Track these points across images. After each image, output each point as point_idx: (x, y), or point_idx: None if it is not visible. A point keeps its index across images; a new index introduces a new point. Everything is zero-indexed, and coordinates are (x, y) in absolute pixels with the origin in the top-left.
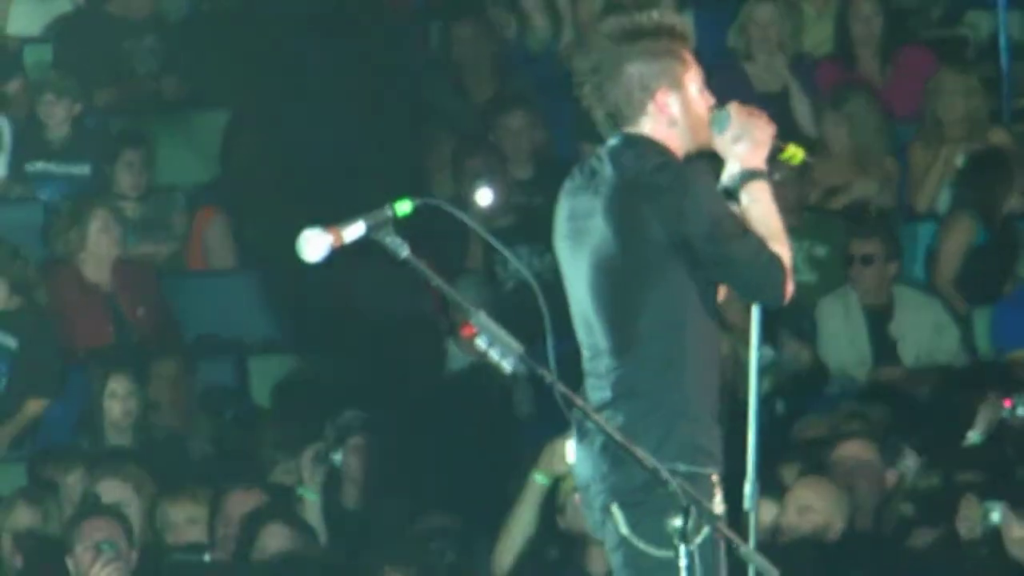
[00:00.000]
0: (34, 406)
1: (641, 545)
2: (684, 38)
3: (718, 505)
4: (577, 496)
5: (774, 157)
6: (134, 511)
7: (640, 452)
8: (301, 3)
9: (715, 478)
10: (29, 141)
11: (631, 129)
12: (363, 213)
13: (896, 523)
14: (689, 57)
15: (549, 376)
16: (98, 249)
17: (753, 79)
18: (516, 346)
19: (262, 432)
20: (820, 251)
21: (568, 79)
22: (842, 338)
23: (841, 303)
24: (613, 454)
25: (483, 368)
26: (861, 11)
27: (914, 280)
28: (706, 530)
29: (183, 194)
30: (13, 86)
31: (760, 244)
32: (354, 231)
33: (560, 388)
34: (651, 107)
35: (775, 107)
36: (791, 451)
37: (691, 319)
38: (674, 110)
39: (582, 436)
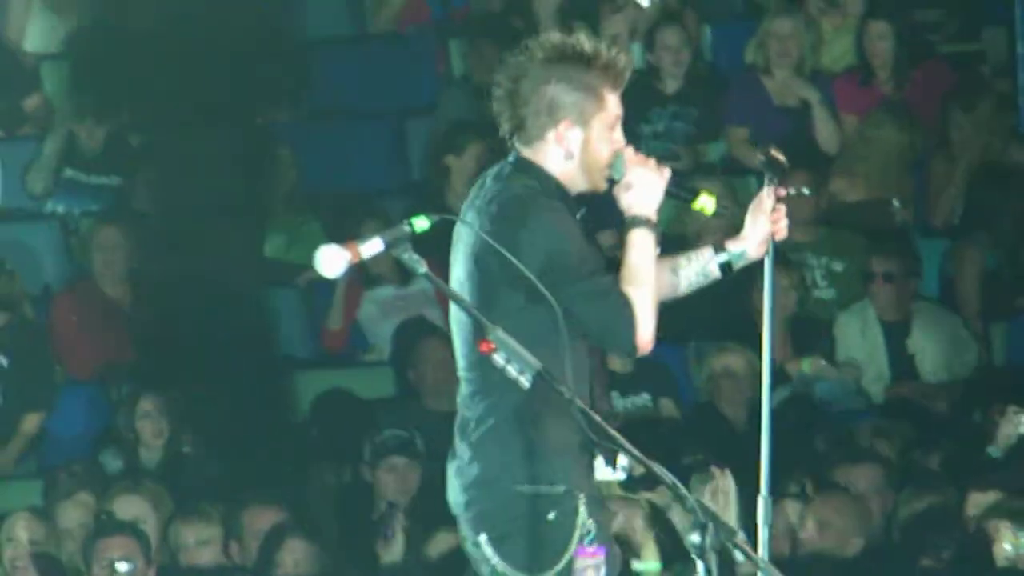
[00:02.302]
0: (31, 421)
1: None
2: (616, 76)
3: (603, 521)
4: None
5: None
6: (151, 528)
7: (657, 467)
8: (320, 20)
9: (580, 496)
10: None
11: (527, 151)
12: (380, 228)
13: (912, 540)
14: (611, 98)
15: (567, 392)
16: (116, 265)
17: (772, 94)
18: (534, 362)
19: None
20: (838, 266)
21: None
22: (860, 353)
23: (859, 318)
24: (470, 482)
25: None
26: (877, 27)
27: (930, 295)
28: (566, 557)
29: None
30: (31, 102)
31: (610, 289)
32: (372, 247)
33: (578, 404)
34: (551, 134)
35: (794, 122)
36: (807, 465)
37: (546, 351)
38: (572, 145)
39: (451, 459)
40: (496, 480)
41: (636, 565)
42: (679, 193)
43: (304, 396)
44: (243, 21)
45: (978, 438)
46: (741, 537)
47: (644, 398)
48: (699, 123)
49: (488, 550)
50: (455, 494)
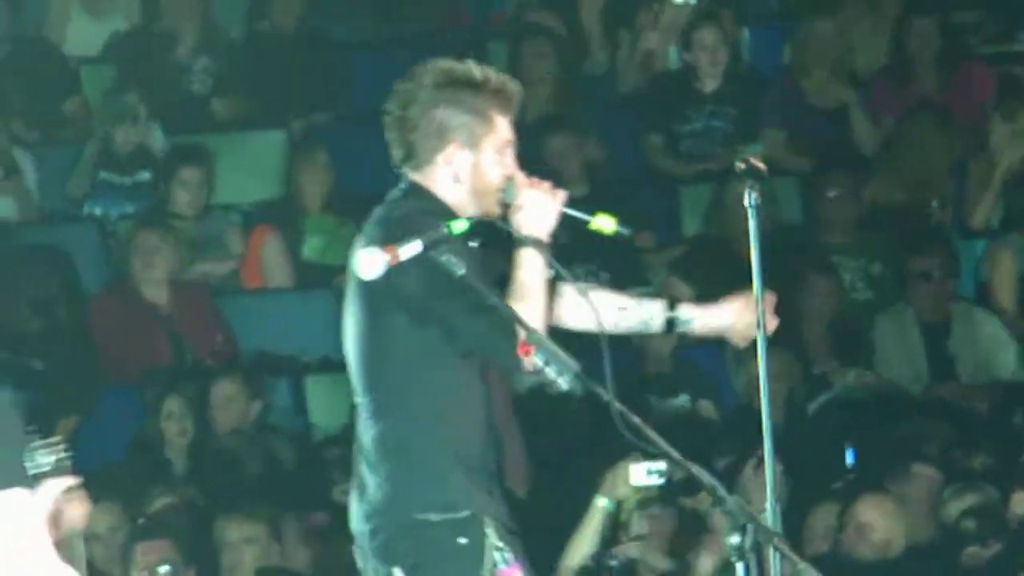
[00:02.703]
0: (67, 425)
1: None
2: (506, 100)
3: (493, 545)
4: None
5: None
6: (188, 531)
7: (696, 469)
8: (357, 23)
9: (487, 521)
10: (97, 155)
11: (417, 175)
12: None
13: (955, 540)
14: (501, 121)
15: (606, 395)
16: (154, 269)
17: (809, 96)
18: (573, 364)
19: (322, 452)
20: (875, 268)
21: (627, 100)
22: (898, 355)
23: (897, 320)
24: (373, 509)
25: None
26: (918, 28)
27: (968, 296)
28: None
29: (239, 213)
30: (71, 105)
31: (495, 304)
32: (410, 249)
33: (617, 406)
34: (440, 158)
35: (832, 124)
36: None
37: (436, 374)
38: (461, 168)
39: (352, 486)
40: (399, 507)
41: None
42: (575, 215)
43: (341, 400)
44: (280, 24)
45: (1019, 439)
46: (781, 538)
47: (683, 399)
48: (737, 124)
49: None
50: (358, 522)
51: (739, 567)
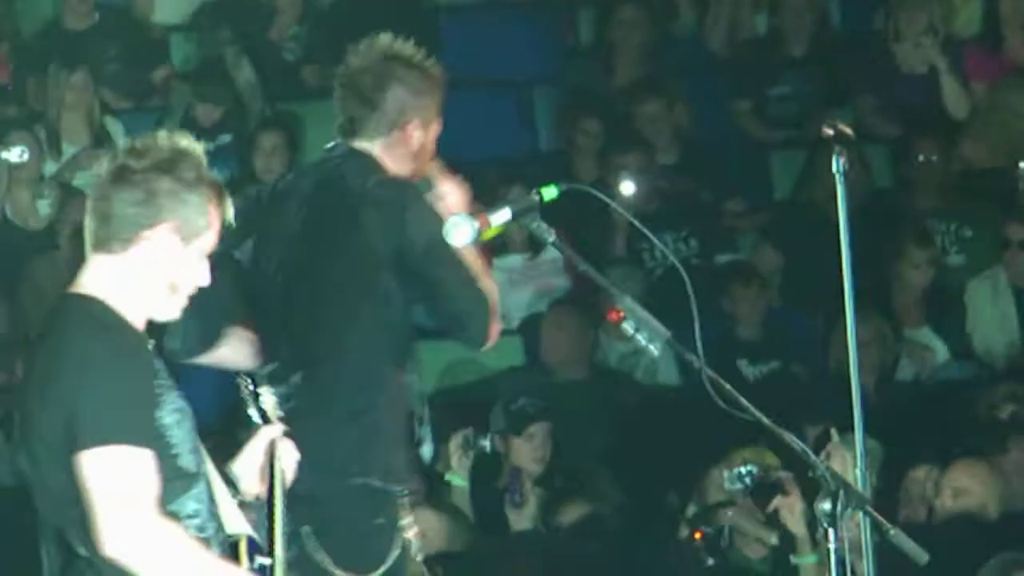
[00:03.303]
0: None
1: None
2: (442, 89)
3: (409, 526)
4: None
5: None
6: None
7: (787, 436)
8: None
9: (404, 500)
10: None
11: (362, 143)
12: (508, 198)
13: None
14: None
15: (697, 361)
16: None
17: (899, 61)
18: (663, 331)
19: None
20: (968, 232)
21: (715, 66)
22: (990, 319)
23: (990, 284)
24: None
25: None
26: None
27: None
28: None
29: None
30: (159, 74)
31: (473, 278)
32: (500, 216)
33: (708, 372)
34: (397, 133)
35: (922, 89)
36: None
37: (395, 341)
38: (415, 145)
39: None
40: (338, 472)
41: (794, 559)
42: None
43: (433, 366)
44: None
45: None
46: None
47: (774, 365)
48: (826, 89)
49: (311, 542)
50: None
51: (830, 533)
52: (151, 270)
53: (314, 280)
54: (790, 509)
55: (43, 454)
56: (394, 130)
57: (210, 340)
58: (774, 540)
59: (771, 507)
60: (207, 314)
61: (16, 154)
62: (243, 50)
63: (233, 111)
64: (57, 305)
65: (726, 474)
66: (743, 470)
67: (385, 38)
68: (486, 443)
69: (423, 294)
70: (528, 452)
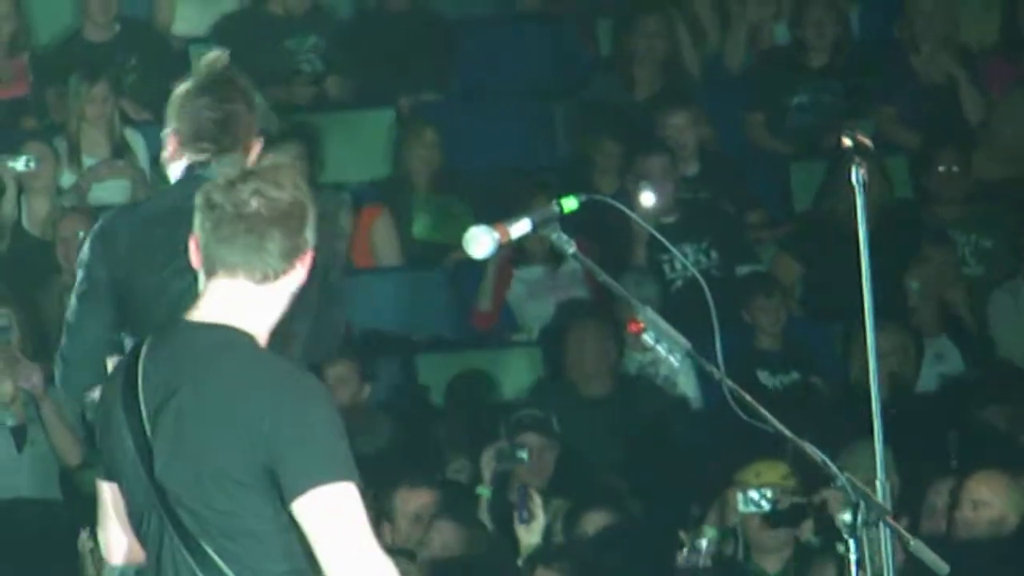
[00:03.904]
0: None
1: None
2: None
3: None
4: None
5: None
6: None
7: (808, 447)
8: (463, 2)
9: None
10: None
11: (233, 155)
12: (529, 210)
13: None
14: None
15: (717, 373)
16: None
17: (919, 71)
18: (683, 342)
19: (434, 430)
20: (988, 243)
21: (734, 80)
22: (1012, 330)
23: (1011, 295)
24: None
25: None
26: None
27: None
28: None
29: (349, 192)
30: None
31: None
32: (520, 227)
33: (728, 384)
34: (242, 147)
35: (941, 99)
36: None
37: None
38: (253, 158)
39: None
40: None
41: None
42: None
43: (452, 378)
44: (389, 3)
45: None
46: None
47: (794, 376)
48: (846, 99)
49: None
50: None
51: (851, 544)
52: (287, 300)
53: None
54: (837, 500)
55: (210, 479)
56: (244, 144)
57: (102, 375)
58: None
59: (819, 498)
60: (93, 358)
61: (22, 163)
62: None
63: None
64: (196, 335)
65: (740, 496)
66: (757, 494)
67: (226, 58)
68: (523, 455)
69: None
70: (526, 465)
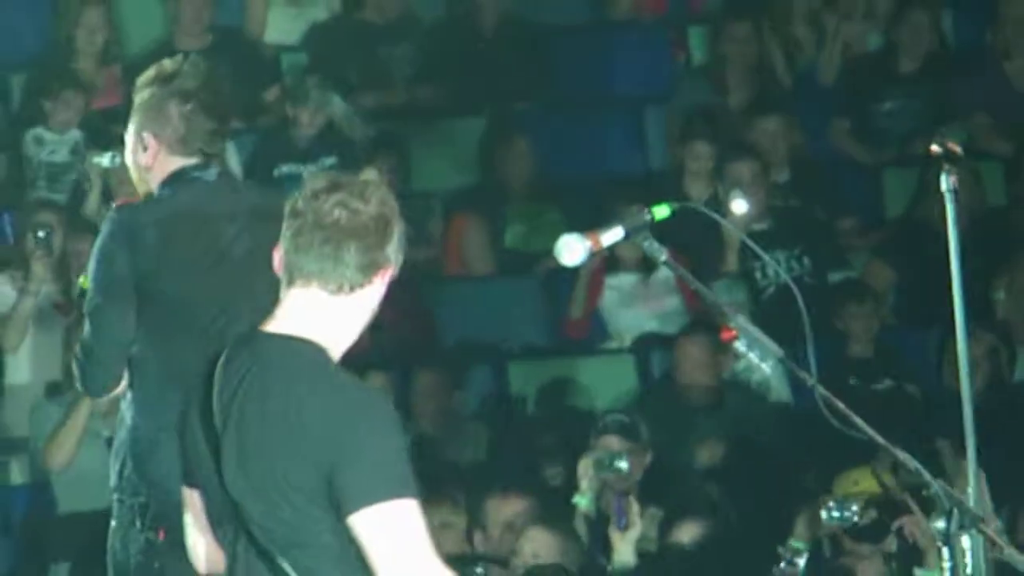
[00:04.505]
0: None
1: None
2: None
3: None
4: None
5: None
6: None
7: (901, 454)
8: (558, 9)
9: None
10: (278, 145)
11: (217, 166)
12: (620, 217)
13: None
14: None
15: (810, 380)
16: None
17: (1011, 78)
18: (776, 349)
19: (526, 438)
20: None
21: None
22: None
23: None
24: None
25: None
26: None
27: None
28: None
29: (439, 200)
30: (270, 94)
31: None
32: (612, 235)
33: (821, 391)
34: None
35: None
36: None
37: None
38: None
39: None
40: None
41: (918, 572)
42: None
43: (544, 386)
44: (482, 10)
45: None
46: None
47: (887, 383)
48: (937, 106)
49: None
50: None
51: (944, 552)
52: (366, 315)
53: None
54: (915, 525)
55: (275, 490)
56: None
57: (120, 376)
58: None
59: (896, 524)
60: (116, 354)
61: (108, 159)
62: (327, 84)
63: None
64: (268, 345)
65: (823, 511)
66: (837, 511)
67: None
68: (622, 464)
69: None
70: (624, 475)
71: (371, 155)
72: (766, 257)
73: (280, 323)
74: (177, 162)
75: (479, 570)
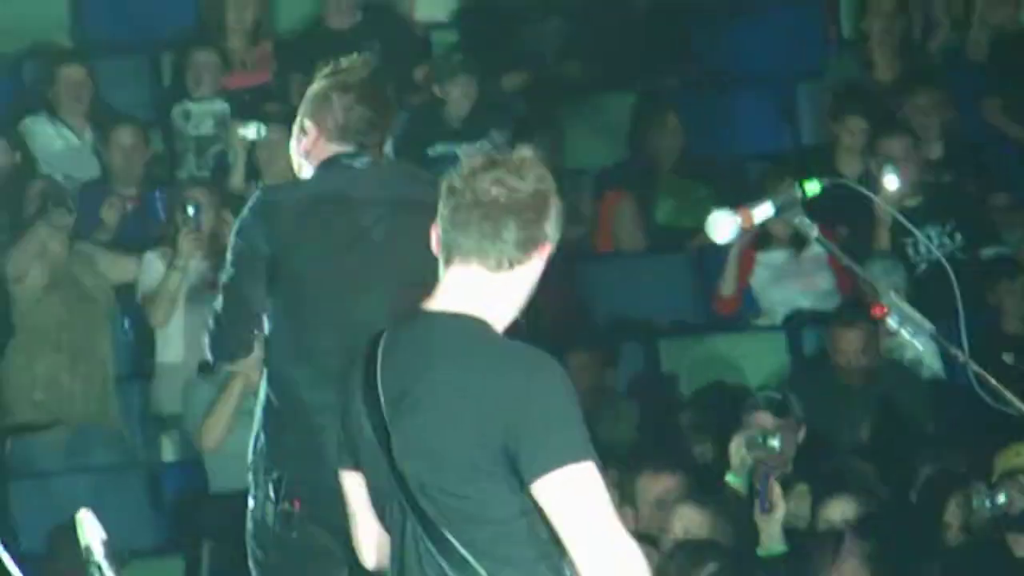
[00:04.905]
0: None
1: None
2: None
3: None
4: None
5: None
6: None
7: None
8: None
9: None
10: (430, 125)
11: (375, 152)
12: (771, 193)
13: None
14: None
15: (962, 356)
16: None
17: None
18: (927, 325)
19: (677, 415)
20: None
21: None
22: None
23: None
24: None
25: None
26: None
27: None
28: None
29: (590, 177)
30: (420, 72)
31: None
32: (763, 212)
33: (973, 367)
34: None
35: None
36: None
37: None
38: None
39: None
40: None
41: None
42: None
43: (695, 363)
44: None
45: None
46: None
47: None
48: None
49: None
50: None
51: None
52: (525, 291)
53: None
54: None
55: (449, 466)
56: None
57: (249, 345)
58: None
59: None
60: (245, 323)
61: (253, 130)
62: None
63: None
64: (432, 323)
65: (974, 498)
66: (988, 500)
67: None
68: (775, 442)
69: None
70: (777, 453)
71: (527, 133)
72: (918, 233)
73: (442, 301)
74: (333, 149)
75: None
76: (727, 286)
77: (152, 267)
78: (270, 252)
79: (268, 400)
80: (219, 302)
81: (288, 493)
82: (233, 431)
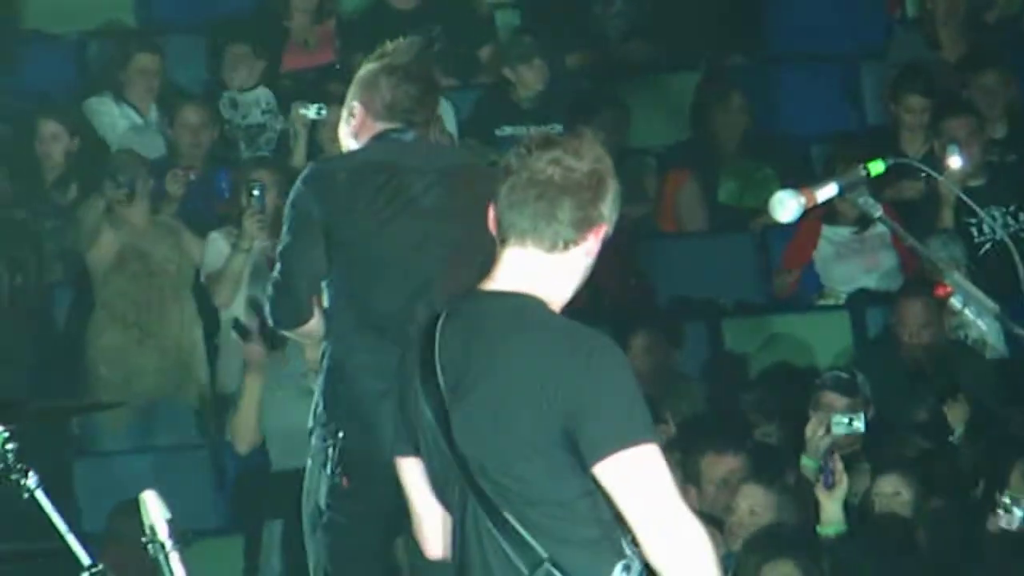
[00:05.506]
0: None
1: None
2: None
3: None
4: None
5: None
6: None
7: None
8: None
9: None
10: (498, 106)
11: (420, 130)
12: (835, 174)
13: None
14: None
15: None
16: None
17: None
18: (991, 305)
19: (741, 394)
20: None
21: None
22: None
23: None
24: None
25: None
26: None
27: None
28: None
29: (654, 157)
30: (485, 52)
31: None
32: (827, 191)
33: None
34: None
35: None
36: None
37: None
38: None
39: None
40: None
41: None
42: None
43: (760, 343)
44: None
45: None
46: None
47: None
48: None
49: None
50: None
51: None
52: (581, 272)
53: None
54: None
55: (509, 447)
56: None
57: (309, 310)
58: None
59: None
60: (305, 287)
61: (314, 110)
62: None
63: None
64: (490, 303)
65: (1003, 505)
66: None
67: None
68: (859, 424)
69: None
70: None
71: (591, 112)
72: (982, 213)
73: (498, 281)
74: (381, 127)
75: None
76: (790, 263)
77: (215, 246)
78: (323, 219)
79: (329, 366)
80: (277, 268)
81: (340, 465)
82: (294, 409)
